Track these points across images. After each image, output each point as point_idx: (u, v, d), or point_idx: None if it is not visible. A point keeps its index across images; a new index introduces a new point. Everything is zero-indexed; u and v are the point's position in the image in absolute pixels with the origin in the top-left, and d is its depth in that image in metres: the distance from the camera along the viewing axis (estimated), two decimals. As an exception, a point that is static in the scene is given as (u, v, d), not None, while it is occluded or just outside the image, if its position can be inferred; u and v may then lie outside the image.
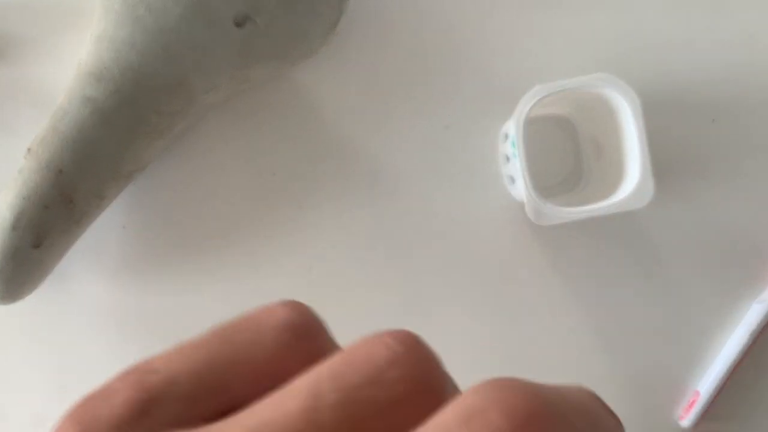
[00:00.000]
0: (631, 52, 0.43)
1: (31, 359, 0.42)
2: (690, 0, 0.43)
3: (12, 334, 0.42)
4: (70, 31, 0.42)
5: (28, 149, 0.37)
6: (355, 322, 0.42)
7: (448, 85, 0.43)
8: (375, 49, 0.43)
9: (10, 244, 0.36)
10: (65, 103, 0.37)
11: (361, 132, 0.43)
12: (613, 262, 0.42)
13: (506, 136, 0.40)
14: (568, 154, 0.43)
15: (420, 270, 0.43)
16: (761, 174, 0.42)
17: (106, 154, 0.37)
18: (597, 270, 0.42)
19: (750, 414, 0.43)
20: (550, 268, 0.42)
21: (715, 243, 0.42)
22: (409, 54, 0.43)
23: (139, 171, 0.40)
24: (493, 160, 0.43)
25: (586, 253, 0.42)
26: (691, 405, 0.42)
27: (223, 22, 0.36)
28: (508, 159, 0.40)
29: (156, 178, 0.42)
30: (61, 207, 0.36)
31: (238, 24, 0.36)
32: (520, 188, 0.37)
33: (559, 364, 0.42)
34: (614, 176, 0.39)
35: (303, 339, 0.18)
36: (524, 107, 0.37)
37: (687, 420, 0.41)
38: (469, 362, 0.42)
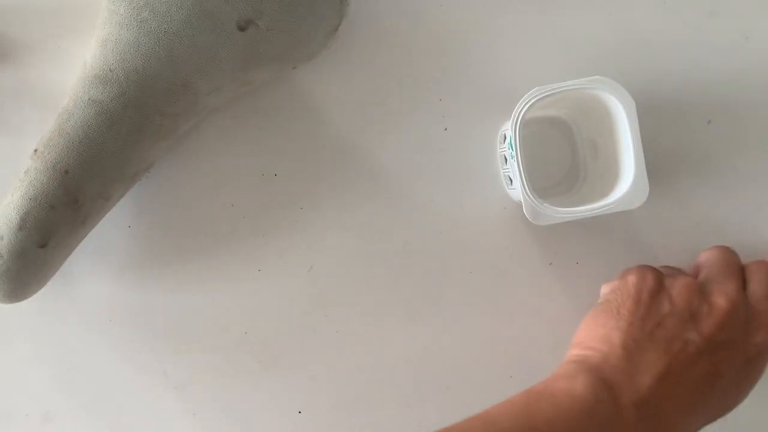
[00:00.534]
0: (628, 55, 0.43)
1: (37, 358, 0.42)
2: (685, 3, 0.43)
3: (17, 333, 0.43)
4: (75, 33, 0.42)
5: (35, 150, 0.37)
6: (355, 322, 0.43)
7: (447, 87, 0.43)
8: (375, 52, 0.43)
9: (16, 244, 0.36)
10: (71, 105, 0.37)
11: (361, 133, 0.43)
12: (609, 261, 0.43)
13: (504, 138, 0.40)
14: (565, 155, 0.43)
15: (419, 269, 0.43)
16: (756, 175, 0.43)
17: (111, 155, 0.37)
18: (593, 269, 0.43)
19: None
20: (547, 268, 0.43)
21: (711, 243, 0.42)
22: (408, 56, 0.43)
23: (144, 172, 0.40)
24: (492, 160, 0.43)
25: (582, 252, 0.43)
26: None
27: (226, 25, 0.36)
28: (506, 160, 0.40)
29: (160, 179, 0.43)
30: (66, 207, 0.37)
31: (241, 27, 0.37)
32: (518, 188, 0.37)
33: (556, 362, 0.43)
34: (610, 177, 0.39)
35: None
36: (522, 109, 0.37)
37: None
38: (468, 360, 0.43)
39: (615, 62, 0.43)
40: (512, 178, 0.40)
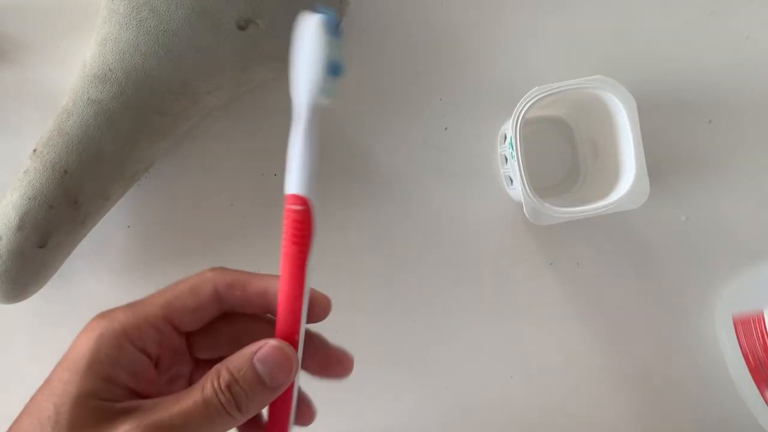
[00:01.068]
0: (628, 54, 0.43)
1: (36, 358, 0.42)
2: (686, 3, 0.43)
3: (17, 334, 0.43)
4: (74, 33, 0.42)
5: (34, 150, 0.37)
6: (355, 322, 0.43)
7: (447, 87, 0.43)
8: (375, 52, 0.43)
9: (15, 244, 0.36)
10: (70, 105, 0.37)
11: (361, 133, 0.43)
12: (609, 261, 0.43)
13: (505, 137, 0.40)
14: (566, 155, 0.43)
15: (419, 269, 0.43)
16: (757, 175, 0.43)
17: (110, 154, 0.37)
18: (593, 269, 0.43)
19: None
20: (547, 267, 0.43)
21: (711, 243, 0.42)
22: (408, 56, 0.43)
23: (143, 171, 0.40)
24: (492, 160, 0.43)
25: (582, 251, 0.43)
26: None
27: (225, 24, 0.36)
28: (506, 160, 0.40)
29: (160, 179, 0.42)
30: (66, 207, 0.37)
31: (241, 27, 0.37)
32: (518, 188, 0.37)
33: (555, 361, 0.43)
34: (611, 177, 0.39)
35: None
36: (522, 109, 0.37)
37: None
38: (468, 360, 0.43)
39: (615, 62, 0.43)
40: (512, 178, 0.40)
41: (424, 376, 0.43)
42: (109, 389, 0.26)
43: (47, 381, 0.26)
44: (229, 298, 0.29)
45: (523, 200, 0.37)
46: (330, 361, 0.30)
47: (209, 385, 0.26)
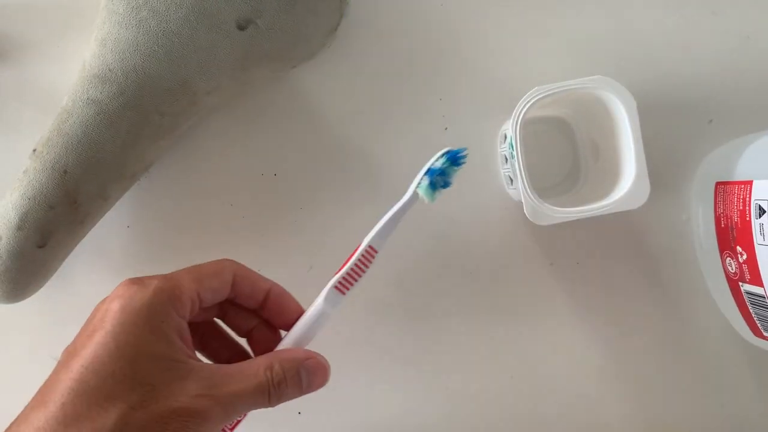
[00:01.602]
0: (629, 54, 0.43)
1: (35, 358, 0.42)
2: (686, 2, 0.43)
3: (16, 334, 0.43)
4: (74, 33, 0.42)
5: (33, 150, 0.37)
6: (355, 322, 0.43)
7: (447, 87, 0.43)
8: (375, 51, 0.43)
9: (15, 244, 0.36)
10: (69, 105, 0.37)
11: (361, 133, 0.43)
12: (609, 261, 0.43)
13: (505, 137, 0.40)
14: (566, 154, 0.43)
15: (419, 269, 0.43)
16: (756, 174, 0.43)
17: (110, 154, 0.37)
18: (593, 269, 0.43)
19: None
20: (547, 267, 0.43)
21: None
22: (408, 56, 0.43)
23: (143, 172, 0.40)
24: (492, 160, 0.43)
25: (582, 252, 0.43)
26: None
27: (225, 24, 0.36)
28: (506, 159, 0.40)
29: (159, 179, 0.43)
30: (65, 207, 0.37)
31: (241, 26, 0.37)
32: (518, 188, 0.37)
33: (555, 361, 0.43)
34: (611, 177, 0.39)
35: None
36: (522, 109, 0.37)
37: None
38: (468, 360, 0.43)
39: (615, 62, 0.43)
40: (512, 178, 0.40)
41: (424, 376, 0.43)
42: (170, 347, 0.28)
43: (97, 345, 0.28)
44: (238, 288, 0.32)
45: (523, 200, 0.37)
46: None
47: (262, 372, 0.30)
